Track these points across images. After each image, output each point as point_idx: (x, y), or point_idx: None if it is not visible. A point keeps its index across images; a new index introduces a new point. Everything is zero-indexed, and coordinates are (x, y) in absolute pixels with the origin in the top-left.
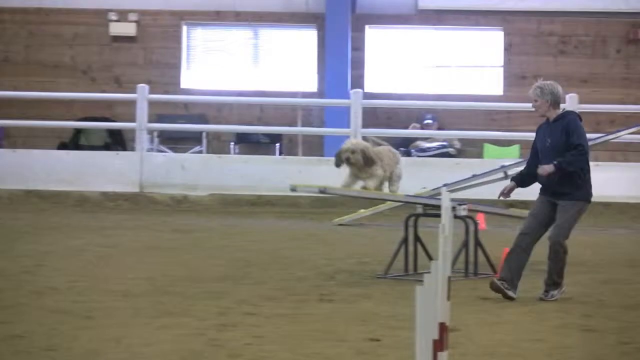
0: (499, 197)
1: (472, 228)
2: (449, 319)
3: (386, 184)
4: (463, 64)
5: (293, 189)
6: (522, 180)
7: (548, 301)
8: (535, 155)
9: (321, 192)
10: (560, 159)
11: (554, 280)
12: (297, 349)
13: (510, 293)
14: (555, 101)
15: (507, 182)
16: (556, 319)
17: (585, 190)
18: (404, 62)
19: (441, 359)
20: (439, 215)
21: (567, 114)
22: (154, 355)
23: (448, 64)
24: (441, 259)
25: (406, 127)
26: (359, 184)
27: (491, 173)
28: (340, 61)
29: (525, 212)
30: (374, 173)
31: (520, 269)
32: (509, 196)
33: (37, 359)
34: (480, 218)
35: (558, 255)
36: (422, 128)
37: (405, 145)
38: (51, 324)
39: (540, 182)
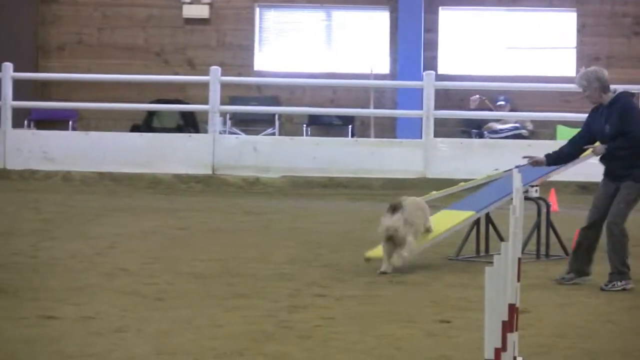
0: (523, 157)
1: (544, 210)
2: (519, 300)
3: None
4: (536, 46)
5: (367, 260)
6: (557, 159)
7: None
8: (585, 137)
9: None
10: (611, 144)
11: (618, 269)
12: (367, 330)
13: (578, 280)
14: (604, 86)
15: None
16: (627, 301)
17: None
18: (477, 44)
19: (511, 340)
20: (511, 197)
21: (621, 97)
22: (224, 337)
23: (521, 46)
24: (511, 241)
25: (481, 109)
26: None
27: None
28: (413, 43)
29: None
30: (407, 245)
31: (588, 263)
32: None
33: (108, 340)
34: (553, 200)
35: (615, 238)
36: (493, 109)
37: (477, 127)
38: (122, 306)
39: (606, 167)
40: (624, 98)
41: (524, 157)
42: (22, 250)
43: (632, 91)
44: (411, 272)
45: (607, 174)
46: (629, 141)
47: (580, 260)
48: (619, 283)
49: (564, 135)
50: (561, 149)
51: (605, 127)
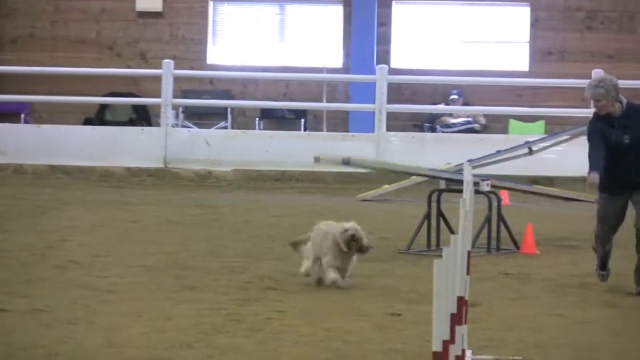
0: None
1: (495, 203)
2: (468, 293)
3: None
4: (489, 40)
5: (317, 160)
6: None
7: (571, 276)
8: (604, 152)
9: (344, 163)
10: None
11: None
12: (318, 323)
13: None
14: (617, 93)
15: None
16: (576, 295)
17: None
18: (430, 38)
19: (460, 333)
20: (462, 191)
21: (633, 105)
22: (174, 329)
23: (474, 40)
24: (461, 233)
25: (432, 103)
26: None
27: (516, 149)
28: (366, 37)
29: (551, 190)
30: (349, 272)
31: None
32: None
33: (59, 333)
34: (504, 194)
35: None
36: (447, 104)
37: (430, 121)
38: (73, 298)
39: (619, 177)
40: (636, 105)
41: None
42: None
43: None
44: (362, 265)
45: (614, 188)
46: None
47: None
48: None
49: (516, 130)
50: (597, 162)
51: (623, 137)
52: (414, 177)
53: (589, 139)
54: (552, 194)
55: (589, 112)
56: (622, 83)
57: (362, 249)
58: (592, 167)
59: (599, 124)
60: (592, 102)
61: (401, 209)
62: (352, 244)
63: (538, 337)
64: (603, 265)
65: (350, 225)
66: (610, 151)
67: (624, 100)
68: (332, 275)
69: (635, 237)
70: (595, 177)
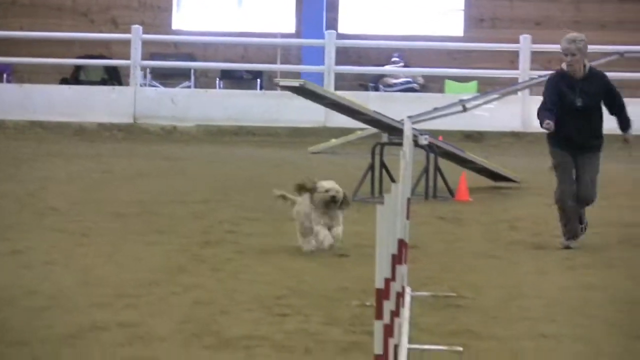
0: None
1: (432, 156)
2: (407, 236)
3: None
4: (428, 7)
5: (277, 84)
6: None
7: (502, 222)
8: (557, 105)
9: (300, 86)
10: (626, 124)
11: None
12: (273, 263)
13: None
14: (586, 53)
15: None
16: (507, 238)
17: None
18: (374, 6)
19: (400, 272)
20: (402, 144)
21: (597, 72)
22: (143, 270)
23: (414, 7)
24: (401, 182)
25: (376, 65)
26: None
27: (451, 106)
28: (316, 5)
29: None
30: (340, 220)
31: (576, 222)
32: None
33: (37, 273)
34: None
35: (588, 205)
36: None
37: (374, 81)
38: (50, 242)
39: (567, 136)
40: (605, 76)
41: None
42: None
43: (514, 49)
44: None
45: (567, 145)
46: (620, 106)
47: (572, 226)
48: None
49: (451, 89)
50: (551, 116)
51: (576, 100)
52: (359, 132)
53: (546, 94)
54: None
55: (516, 73)
56: (548, 47)
57: (342, 207)
58: (547, 117)
59: (559, 83)
60: (566, 57)
61: (347, 160)
62: (332, 205)
63: (471, 277)
64: (572, 233)
65: (331, 185)
66: (562, 110)
67: (587, 65)
68: (326, 241)
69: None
70: (551, 123)
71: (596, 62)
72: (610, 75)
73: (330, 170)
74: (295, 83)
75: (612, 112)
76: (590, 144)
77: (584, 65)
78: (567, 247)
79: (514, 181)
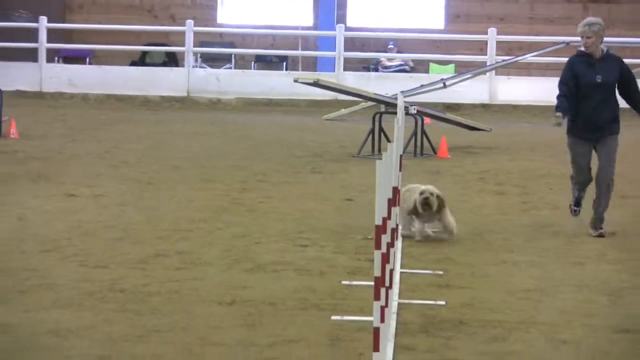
0: (557, 124)
1: (419, 122)
2: (400, 184)
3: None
4: (416, 5)
5: (296, 80)
6: (571, 110)
7: (472, 173)
8: (575, 86)
9: (315, 82)
10: (636, 98)
11: (603, 219)
12: (295, 206)
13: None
14: (603, 38)
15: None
16: (477, 186)
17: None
18: (375, 4)
19: (394, 212)
20: (396, 113)
21: (615, 55)
22: (194, 210)
23: (406, 5)
24: (395, 143)
25: (375, 51)
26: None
27: (434, 84)
28: (329, 3)
29: (458, 118)
30: (449, 219)
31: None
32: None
33: (113, 212)
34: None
35: (610, 189)
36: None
37: (374, 64)
38: (123, 188)
39: (587, 119)
40: (620, 58)
41: (556, 123)
42: (54, 149)
43: (483, 39)
44: (326, 165)
45: (584, 131)
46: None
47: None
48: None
49: (435, 70)
50: (565, 104)
51: (596, 77)
52: (363, 103)
53: (562, 74)
54: (458, 122)
55: (485, 58)
56: (510, 38)
57: (437, 209)
58: (560, 109)
59: (577, 63)
60: (582, 39)
61: (353, 126)
62: (426, 207)
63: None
64: (577, 202)
65: (425, 188)
66: (581, 90)
67: (605, 48)
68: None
69: (595, 185)
70: (557, 118)
71: (545, 50)
72: (556, 59)
73: (340, 133)
74: (310, 80)
75: (626, 95)
76: (608, 126)
77: (602, 48)
78: (574, 212)
79: (484, 130)
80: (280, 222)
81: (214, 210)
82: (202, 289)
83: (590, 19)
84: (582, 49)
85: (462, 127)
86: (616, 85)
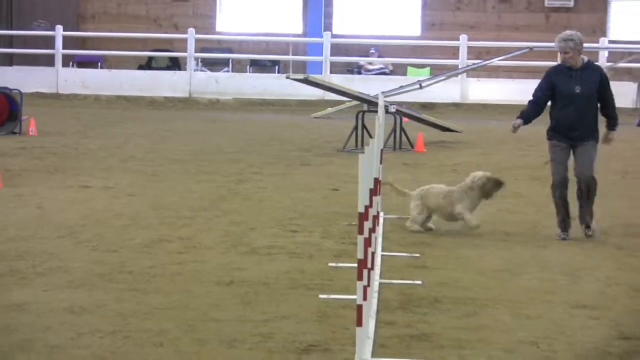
0: (512, 131)
1: (398, 120)
2: (381, 175)
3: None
4: (395, 14)
5: (287, 77)
6: (530, 118)
7: (446, 166)
8: (548, 95)
9: (304, 78)
10: (612, 123)
11: (591, 213)
12: (286, 194)
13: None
14: (581, 49)
15: (419, 91)
16: (450, 177)
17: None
18: (358, 13)
19: (375, 201)
20: (377, 111)
21: (595, 65)
22: (195, 199)
23: (386, 14)
24: (376, 138)
25: (360, 55)
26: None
27: (411, 85)
28: (316, 13)
29: (432, 119)
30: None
31: (568, 212)
32: (517, 131)
33: (123, 201)
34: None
35: (592, 189)
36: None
37: (357, 68)
38: (131, 179)
39: (566, 125)
40: (600, 68)
41: (514, 128)
42: (69, 144)
43: (455, 45)
44: (314, 158)
45: (563, 136)
46: (615, 108)
47: (565, 217)
48: (594, 225)
49: (412, 73)
50: (529, 110)
51: (575, 87)
52: (348, 103)
53: (536, 89)
54: (432, 123)
55: (457, 62)
56: (479, 43)
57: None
58: (520, 116)
59: (554, 75)
60: (560, 54)
61: (339, 123)
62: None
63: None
64: (563, 226)
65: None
66: (561, 99)
67: (586, 58)
68: (473, 222)
69: (576, 184)
70: (518, 122)
71: (511, 54)
72: (521, 63)
73: (327, 130)
74: (300, 76)
75: (602, 108)
76: (587, 133)
77: (582, 57)
78: (563, 239)
79: (457, 131)
80: (273, 210)
81: (213, 200)
82: (202, 271)
83: (566, 33)
84: (560, 62)
85: (435, 128)
86: (595, 94)
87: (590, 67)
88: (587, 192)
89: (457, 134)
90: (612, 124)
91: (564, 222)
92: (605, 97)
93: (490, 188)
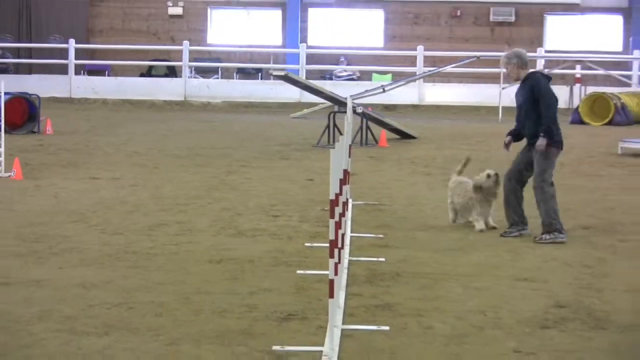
0: (504, 148)
1: (365, 119)
2: (350, 167)
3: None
4: (361, 28)
5: (271, 74)
6: (516, 136)
7: (406, 159)
8: (518, 112)
9: (285, 75)
10: (542, 129)
11: (551, 221)
12: (269, 185)
13: (524, 232)
14: (523, 62)
15: (383, 94)
16: (409, 169)
17: (552, 136)
18: (329, 28)
19: (345, 189)
20: (346, 112)
21: (532, 74)
22: (189, 189)
23: (354, 28)
24: (345, 135)
25: (331, 64)
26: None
27: (375, 89)
28: (294, 27)
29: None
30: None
31: (519, 208)
32: (509, 149)
33: (126, 191)
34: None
35: (538, 196)
36: (339, 64)
37: (329, 74)
38: (134, 172)
39: (523, 130)
40: (535, 76)
41: (506, 146)
42: (80, 142)
43: (414, 55)
44: (293, 152)
45: (528, 141)
46: (548, 118)
47: (515, 212)
48: (546, 236)
49: (376, 79)
50: (516, 127)
51: (520, 99)
52: (321, 104)
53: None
54: (393, 128)
55: (415, 69)
56: (434, 53)
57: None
58: (509, 132)
59: (518, 90)
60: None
61: (313, 122)
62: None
63: (387, 192)
64: (509, 222)
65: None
66: (517, 108)
67: (529, 70)
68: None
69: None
70: (508, 138)
71: (461, 62)
72: (469, 70)
73: (303, 128)
74: (281, 73)
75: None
76: (533, 139)
77: (525, 69)
78: (502, 232)
79: (414, 137)
80: (257, 197)
81: (206, 189)
82: (196, 251)
83: (506, 53)
84: None
85: (396, 134)
86: (531, 103)
87: (526, 81)
88: (538, 201)
89: (415, 132)
90: (541, 131)
91: (511, 219)
92: (539, 107)
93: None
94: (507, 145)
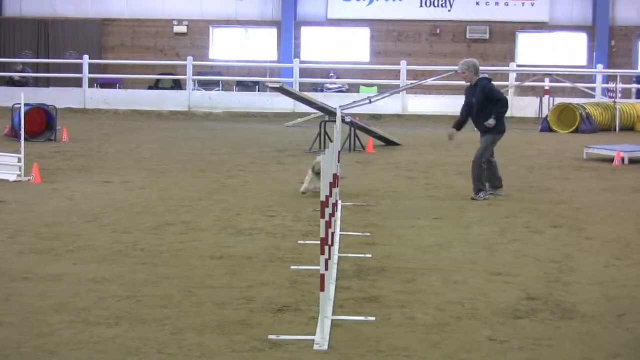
0: (448, 140)
1: (353, 128)
2: (339, 172)
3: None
4: (349, 44)
5: (267, 86)
6: (459, 126)
7: (391, 164)
8: (466, 108)
9: (280, 87)
10: (495, 111)
11: (479, 186)
12: (265, 187)
13: (485, 195)
14: (476, 70)
15: (369, 105)
16: (393, 173)
17: (498, 126)
18: (321, 45)
19: (334, 192)
20: (336, 121)
21: (480, 80)
22: (193, 191)
23: (342, 45)
24: (335, 142)
25: (322, 77)
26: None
27: (362, 100)
28: (288, 44)
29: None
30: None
31: (483, 178)
32: (453, 140)
33: (136, 194)
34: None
35: (475, 169)
36: (328, 77)
37: (320, 87)
38: (142, 176)
39: (474, 125)
40: (483, 82)
41: (449, 140)
42: (93, 149)
43: (397, 69)
44: (287, 158)
45: (479, 130)
46: (501, 104)
47: (480, 179)
48: (481, 195)
49: (363, 91)
50: (458, 120)
51: (473, 99)
52: (313, 114)
53: (463, 106)
54: (379, 136)
55: (399, 82)
56: (415, 68)
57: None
58: (453, 125)
59: (467, 91)
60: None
61: (306, 130)
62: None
63: (374, 194)
64: (478, 189)
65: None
66: (469, 107)
67: (478, 77)
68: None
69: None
70: (451, 130)
71: (441, 76)
72: (448, 83)
73: (296, 136)
74: (277, 85)
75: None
76: (481, 130)
77: (477, 76)
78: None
79: (398, 144)
80: (255, 199)
81: (208, 192)
82: (199, 248)
83: (464, 60)
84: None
85: (381, 141)
86: (483, 103)
87: (478, 85)
88: (473, 171)
89: (399, 139)
90: (495, 116)
91: (477, 185)
92: (492, 101)
93: None
94: (451, 137)
